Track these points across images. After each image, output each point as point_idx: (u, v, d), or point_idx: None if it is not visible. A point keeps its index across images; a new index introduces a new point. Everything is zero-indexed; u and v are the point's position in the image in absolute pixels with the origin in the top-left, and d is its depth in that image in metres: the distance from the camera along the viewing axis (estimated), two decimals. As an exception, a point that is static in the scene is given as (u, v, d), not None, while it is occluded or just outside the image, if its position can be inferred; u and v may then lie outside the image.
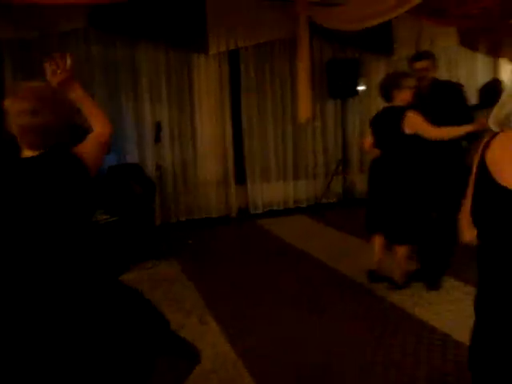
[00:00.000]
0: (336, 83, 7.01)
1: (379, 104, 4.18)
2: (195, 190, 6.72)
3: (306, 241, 5.57)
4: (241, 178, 7.02)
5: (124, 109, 6.19)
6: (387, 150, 3.86)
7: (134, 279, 4.49)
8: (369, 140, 4.05)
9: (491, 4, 5.12)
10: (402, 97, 3.69)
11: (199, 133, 6.64)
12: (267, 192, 7.17)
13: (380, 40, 7.29)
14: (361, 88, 7.20)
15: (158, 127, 5.34)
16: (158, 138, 5.36)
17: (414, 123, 3.59)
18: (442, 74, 7.97)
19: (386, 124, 3.79)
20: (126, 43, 6.08)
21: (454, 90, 4.06)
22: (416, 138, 3.61)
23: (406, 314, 3.55)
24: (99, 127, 2.11)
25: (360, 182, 7.18)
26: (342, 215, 6.30)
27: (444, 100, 3.83)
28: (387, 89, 3.77)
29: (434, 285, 4.00)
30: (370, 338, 3.19)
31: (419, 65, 3.89)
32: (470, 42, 8.18)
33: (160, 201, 6.30)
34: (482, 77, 7.78)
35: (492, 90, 4.45)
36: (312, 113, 6.90)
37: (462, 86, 4.28)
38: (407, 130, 3.61)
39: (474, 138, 3.54)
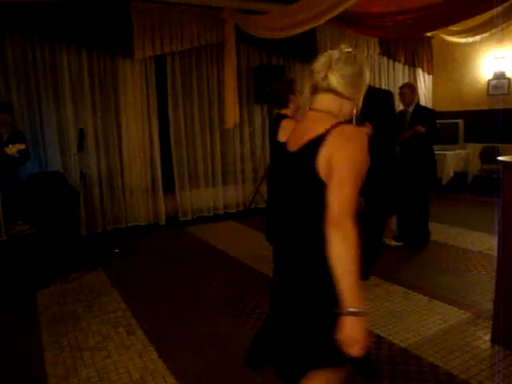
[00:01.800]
0: (263, 89, 7.09)
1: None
2: (122, 198, 6.56)
3: (234, 246, 5.61)
4: (169, 184, 6.94)
5: (45, 115, 5.91)
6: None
7: (58, 292, 4.34)
8: None
9: (404, 18, 5.44)
10: (296, 101, 3.93)
11: (125, 139, 6.47)
12: (196, 198, 7.14)
13: (305, 48, 7.51)
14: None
15: (80, 134, 5.16)
16: (81, 145, 5.18)
17: (285, 132, 3.81)
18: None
19: (271, 130, 4.04)
20: (45, 46, 5.82)
21: (383, 95, 4.26)
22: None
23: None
24: None
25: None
26: (271, 219, 6.40)
27: (370, 105, 4.01)
28: (283, 95, 3.94)
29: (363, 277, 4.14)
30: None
31: None
32: (389, 51, 8.66)
33: (85, 210, 6.12)
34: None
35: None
36: (239, 118, 6.98)
37: (391, 92, 4.48)
38: (280, 138, 3.82)
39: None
